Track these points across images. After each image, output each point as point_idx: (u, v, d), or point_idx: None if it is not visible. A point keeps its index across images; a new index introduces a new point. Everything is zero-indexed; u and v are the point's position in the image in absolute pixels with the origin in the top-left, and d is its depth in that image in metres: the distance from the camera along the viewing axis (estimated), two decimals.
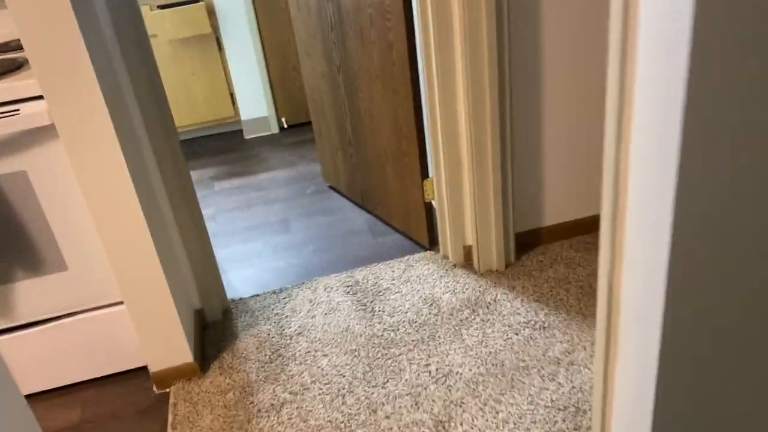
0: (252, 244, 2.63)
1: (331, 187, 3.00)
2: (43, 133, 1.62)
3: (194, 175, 3.32)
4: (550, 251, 2.30)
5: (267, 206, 2.93)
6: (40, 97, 1.58)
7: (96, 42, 1.57)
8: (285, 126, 3.74)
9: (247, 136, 3.70)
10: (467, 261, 2.29)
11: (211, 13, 3.36)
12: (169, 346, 1.89)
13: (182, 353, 1.92)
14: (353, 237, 2.59)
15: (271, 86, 3.62)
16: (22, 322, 1.85)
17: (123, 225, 1.69)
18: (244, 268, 2.47)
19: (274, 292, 2.29)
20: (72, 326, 1.89)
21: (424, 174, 2.27)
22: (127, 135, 1.71)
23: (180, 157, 1.96)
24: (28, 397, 1.97)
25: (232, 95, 3.61)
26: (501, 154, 2.01)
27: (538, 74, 2.02)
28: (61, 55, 1.47)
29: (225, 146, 3.63)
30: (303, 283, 2.32)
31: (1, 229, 1.71)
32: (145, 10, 3.27)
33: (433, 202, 2.32)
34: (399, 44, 2.04)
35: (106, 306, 1.90)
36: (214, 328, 2.15)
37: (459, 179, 2.11)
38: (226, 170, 3.34)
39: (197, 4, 3.24)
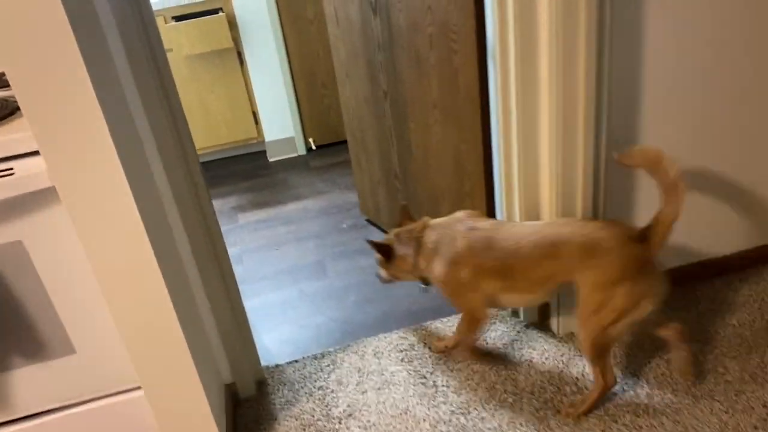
0: (285, 292, 2.31)
1: (370, 221, 2.67)
2: (42, 196, 1.30)
3: (215, 204, 3.00)
4: None
5: (299, 244, 2.60)
6: (38, 152, 1.26)
7: (104, 73, 1.25)
8: (313, 147, 3.41)
9: (272, 159, 3.38)
10: (543, 321, 1.95)
11: (232, 24, 3.04)
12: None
13: None
14: (400, 285, 2.25)
15: (298, 104, 3.29)
16: (24, 414, 1.54)
17: (140, 298, 1.37)
18: (278, 325, 2.15)
19: (315, 357, 1.97)
20: (82, 417, 1.57)
21: (491, 214, 1.93)
22: (143, 186, 1.38)
23: (206, 200, 1.65)
24: None
25: (254, 114, 3.29)
26: (593, 203, 1.68)
27: (638, 111, 1.68)
28: (59, 95, 1.14)
29: (248, 171, 3.31)
30: (348, 345, 1.99)
31: None
32: (158, 22, 2.94)
33: None
34: (467, 71, 1.71)
35: (122, 392, 1.57)
36: (248, 406, 1.83)
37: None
38: (250, 199, 3.02)
39: (217, 15, 2.92)
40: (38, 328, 1.45)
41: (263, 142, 3.37)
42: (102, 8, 1.30)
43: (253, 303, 2.27)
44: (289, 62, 3.18)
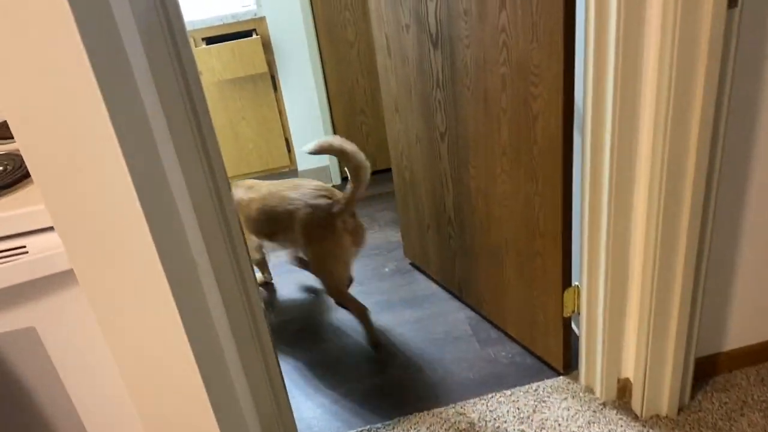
0: (322, 351, 2.09)
1: (416, 266, 2.45)
2: (59, 278, 1.09)
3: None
4: (734, 386, 1.71)
5: None
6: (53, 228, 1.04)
7: (131, 125, 1.03)
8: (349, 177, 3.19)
9: None
10: (621, 399, 1.71)
11: (266, 47, 2.83)
12: None
13: None
14: (453, 345, 2.02)
15: (334, 131, 3.08)
16: None
17: (172, 395, 1.15)
18: (316, 391, 1.92)
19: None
20: None
21: (566, 281, 1.69)
22: (178, 260, 1.17)
23: (245, 264, 1.43)
24: None
25: (287, 141, 3.08)
26: (695, 268, 1.44)
27: (750, 167, 1.44)
28: (77, 156, 0.93)
29: None
30: (397, 420, 1.76)
31: (4, 401, 1.18)
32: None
33: (576, 319, 1.75)
34: (549, 119, 1.48)
35: None
36: None
37: (622, 293, 1.55)
38: None
39: (251, 38, 2.71)
40: (52, 422, 1.24)
41: (296, 170, 3.16)
42: (129, 38, 1.09)
43: (288, 364, 2.05)
44: (326, 87, 2.97)
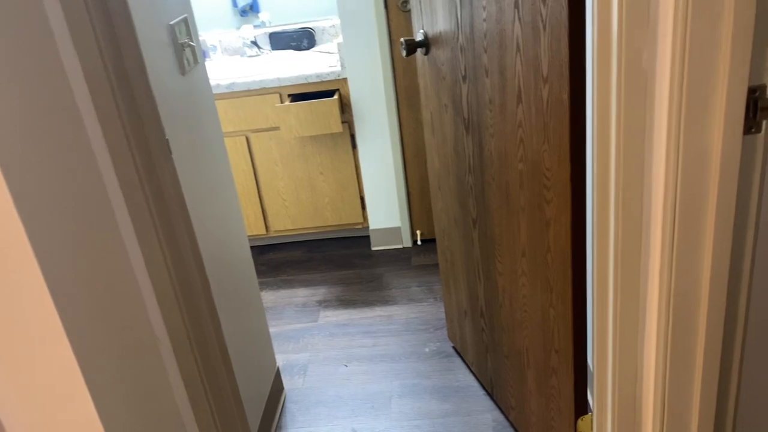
0: (336, 429, 2.00)
1: (456, 351, 2.30)
2: None
3: (302, 294, 2.79)
4: None
5: (371, 364, 2.29)
6: None
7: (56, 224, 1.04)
8: (419, 241, 3.11)
9: (375, 248, 3.13)
10: None
11: (347, 106, 2.85)
12: None
13: None
14: None
15: (408, 194, 3.02)
16: None
17: None
18: None
19: None
20: None
21: (580, 406, 1.49)
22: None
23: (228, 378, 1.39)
24: None
25: (362, 199, 3.06)
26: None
27: None
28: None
29: (347, 257, 3.08)
30: None
31: None
32: (273, 99, 2.84)
33: None
34: (559, 228, 1.32)
35: None
36: None
37: (636, 427, 1.33)
38: (338, 293, 2.77)
39: (330, 99, 2.75)
40: None
41: (367, 228, 3.13)
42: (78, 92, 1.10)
43: None
44: (403, 151, 2.93)
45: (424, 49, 1.82)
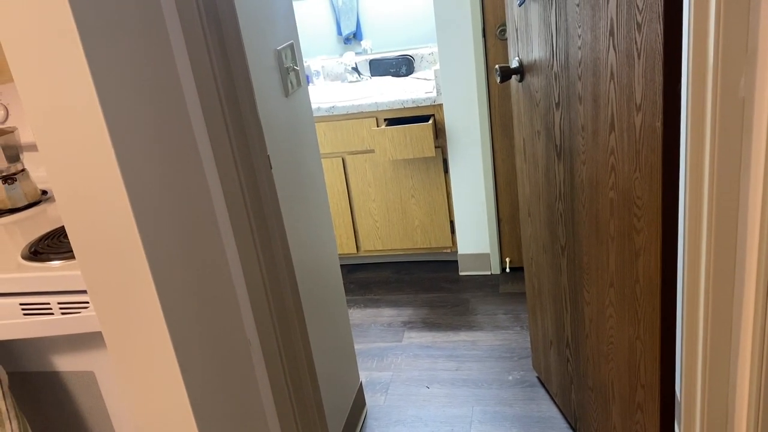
0: None
1: (540, 381, 2.26)
2: None
3: (388, 314, 2.84)
4: None
5: (452, 387, 2.29)
6: None
7: (166, 215, 1.13)
8: (508, 269, 3.09)
9: (462, 272, 3.13)
10: None
11: (441, 131, 2.90)
12: None
13: None
14: None
15: (498, 221, 3.01)
16: None
17: None
18: None
19: None
20: None
21: None
22: (200, 342, 1.24)
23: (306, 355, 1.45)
24: None
25: (452, 224, 3.08)
26: None
27: None
28: (105, 245, 1.05)
29: (434, 281, 3.10)
30: None
31: (65, 428, 1.35)
32: (370, 123, 2.93)
33: None
34: (648, 259, 1.29)
35: None
36: None
37: None
38: (423, 315, 2.79)
39: (424, 124, 2.80)
40: None
41: (456, 253, 3.14)
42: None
43: None
44: (495, 177, 2.93)
45: (518, 76, 1.84)
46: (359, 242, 3.20)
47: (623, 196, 1.35)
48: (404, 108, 2.90)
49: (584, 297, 1.68)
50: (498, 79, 1.83)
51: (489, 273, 3.11)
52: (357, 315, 2.87)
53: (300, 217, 1.75)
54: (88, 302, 1.20)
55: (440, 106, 2.87)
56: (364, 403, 2.23)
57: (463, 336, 2.61)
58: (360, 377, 2.25)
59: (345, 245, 3.20)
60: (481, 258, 3.09)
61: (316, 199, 1.91)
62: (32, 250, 1.30)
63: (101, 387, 1.29)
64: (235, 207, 1.25)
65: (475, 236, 3.06)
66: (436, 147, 2.90)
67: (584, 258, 1.62)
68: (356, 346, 2.64)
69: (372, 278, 3.20)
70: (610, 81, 1.31)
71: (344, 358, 2.07)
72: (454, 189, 2.98)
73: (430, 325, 2.72)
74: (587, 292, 1.65)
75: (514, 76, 1.87)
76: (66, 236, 1.33)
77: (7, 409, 1.24)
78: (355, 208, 3.13)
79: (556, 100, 1.60)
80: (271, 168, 1.35)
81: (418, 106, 2.89)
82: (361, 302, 2.98)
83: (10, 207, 1.58)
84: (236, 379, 1.33)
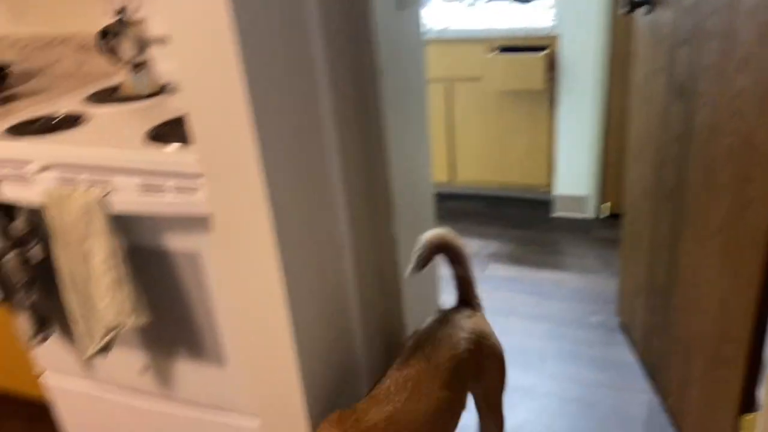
0: None
1: (623, 327, 2.23)
2: None
3: (474, 245, 2.86)
4: None
5: (530, 323, 2.30)
6: None
7: (280, 120, 1.18)
8: (605, 214, 3.00)
9: (556, 214, 3.08)
10: None
11: (553, 64, 2.80)
12: None
13: None
14: (621, 428, 1.82)
15: (605, 164, 2.91)
16: (177, 398, 1.63)
17: (265, 342, 1.31)
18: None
19: None
20: (208, 422, 1.61)
21: (747, 403, 1.40)
22: (301, 236, 1.31)
23: (392, 255, 1.50)
24: None
25: (552, 162, 3.01)
26: None
27: None
28: (222, 136, 1.11)
29: (524, 218, 3.07)
30: None
31: (171, 304, 1.48)
32: (480, 50, 2.87)
33: None
34: (759, 208, 1.23)
35: (246, 416, 1.56)
36: None
37: None
38: (510, 250, 2.79)
39: (537, 55, 2.71)
40: (200, 335, 1.50)
41: (551, 193, 3.09)
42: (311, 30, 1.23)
43: None
44: (607, 116, 2.81)
45: (646, 8, 1.74)
46: (454, 172, 3.20)
47: (744, 142, 1.27)
48: (518, 37, 2.81)
49: (684, 246, 1.62)
50: (624, 9, 1.73)
51: (584, 217, 3.04)
52: None
53: (400, 138, 1.76)
54: (199, 187, 1.28)
55: (556, 37, 2.76)
56: None
57: (548, 275, 2.60)
58: (440, 301, 2.30)
59: (439, 173, 3.21)
60: (578, 200, 3.02)
61: (418, 122, 1.91)
62: (153, 134, 1.40)
63: (205, 268, 1.40)
64: (343, 112, 1.28)
65: (574, 177, 2.98)
66: (546, 81, 2.81)
67: (690, 204, 1.56)
68: (441, 272, 2.68)
69: (463, 208, 3.21)
70: (746, 17, 1.22)
71: (427, 281, 2.11)
72: (560, 126, 2.89)
73: (515, 260, 2.72)
74: (688, 241, 1.59)
75: (642, 8, 1.76)
76: (184, 125, 1.42)
77: (124, 276, 1.38)
78: (455, 136, 3.11)
79: (684, 36, 1.51)
80: (382, 74, 1.36)
81: (532, 36, 2.79)
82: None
83: (134, 95, 1.69)
84: (327, 276, 1.40)
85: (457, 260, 1.50)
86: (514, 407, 1.91)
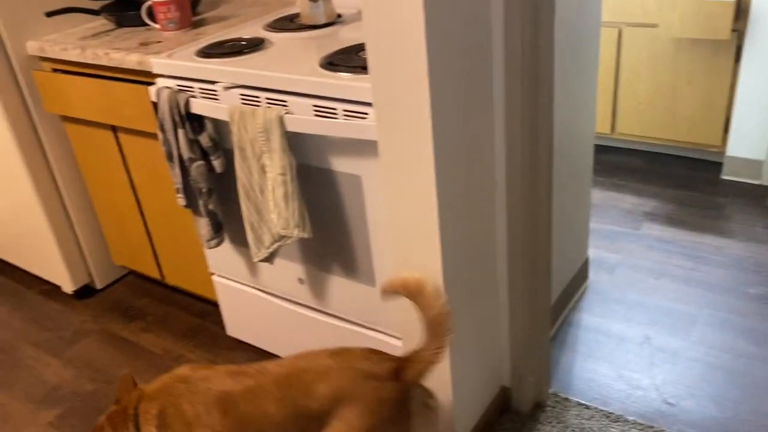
0: (628, 330, 2.02)
1: None
2: None
3: (630, 201, 2.74)
4: None
5: (682, 286, 2.20)
6: None
7: (452, 58, 1.21)
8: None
9: (725, 176, 2.86)
10: None
11: (743, 12, 2.54)
12: None
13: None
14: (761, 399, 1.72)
15: None
16: (328, 310, 1.77)
17: (414, 268, 1.37)
18: (598, 359, 1.91)
19: (607, 416, 1.70)
20: (354, 335, 1.73)
21: None
22: (458, 174, 1.34)
23: (544, 197, 1.50)
24: None
25: (727, 121, 2.78)
26: None
27: None
28: (397, 69, 1.16)
29: (689, 179, 2.88)
30: (655, 429, 1.65)
31: (331, 223, 1.60)
32: None
33: None
34: None
35: (390, 335, 1.66)
36: (512, 419, 1.72)
37: None
38: (669, 211, 2.65)
39: (724, 0, 2.48)
40: (354, 254, 1.61)
41: (723, 154, 2.86)
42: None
43: (590, 322, 2.06)
44: None
45: None
46: (616, 123, 3.05)
47: None
48: None
49: None
50: None
51: (757, 182, 2.80)
52: (597, 195, 2.81)
53: (567, 83, 1.72)
54: (368, 113, 1.35)
55: None
56: (586, 277, 2.25)
57: (709, 240, 2.44)
58: (588, 252, 2.26)
59: (600, 124, 3.08)
60: (753, 164, 2.78)
61: (588, 68, 1.85)
62: (328, 61, 1.48)
63: (365, 190, 1.48)
64: (512, 52, 1.28)
65: (752, 139, 2.73)
66: (732, 30, 2.56)
67: None
68: (591, 224, 2.62)
69: (621, 162, 3.07)
70: None
71: (577, 228, 2.08)
72: (742, 82, 2.65)
73: (673, 221, 2.58)
74: None
75: None
76: (358, 54, 1.48)
77: (293, 191, 1.50)
78: (620, 86, 2.96)
79: None
80: (554, 14, 1.33)
81: None
82: (604, 184, 2.90)
83: (311, 24, 1.78)
84: (477, 211, 1.43)
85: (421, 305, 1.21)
86: (655, 367, 1.86)
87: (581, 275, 2.20)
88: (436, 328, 1.20)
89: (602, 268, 2.33)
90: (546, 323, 1.68)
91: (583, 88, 1.85)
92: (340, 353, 1.28)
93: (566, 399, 1.77)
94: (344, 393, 1.21)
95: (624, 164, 3.05)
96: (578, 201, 2.02)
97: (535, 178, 1.44)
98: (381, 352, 1.31)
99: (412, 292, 1.20)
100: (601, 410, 1.72)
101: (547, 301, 1.65)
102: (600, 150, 3.17)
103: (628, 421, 1.67)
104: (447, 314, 1.19)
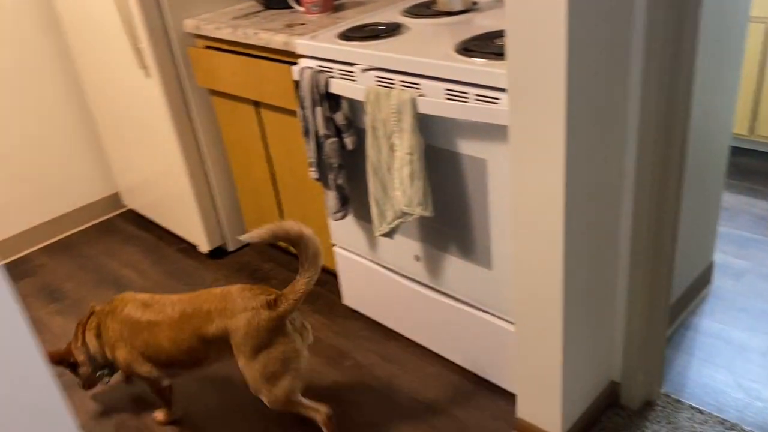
0: (752, 339, 1.93)
1: None
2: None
3: (764, 207, 2.59)
4: None
5: None
6: None
7: (590, 51, 1.22)
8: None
9: None
10: None
11: None
12: (540, 401, 1.60)
13: (552, 420, 1.60)
14: None
15: None
16: (441, 289, 1.84)
17: (536, 255, 1.40)
18: (712, 367, 1.85)
19: (721, 422, 1.65)
20: (468, 316, 1.77)
21: None
22: (588, 168, 1.35)
23: (673, 194, 1.48)
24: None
25: None
26: None
27: None
28: (535, 57, 1.19)
29: None
30: None
31: (453, 204, 1.65)
32: None
33: None
34: None
35: (503, 319, 1.70)
36: (619, 415, 1.71)
37: None
38: None
39: None
40: (473, 235, 1.66)
41: None
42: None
43: (710, 327, 1.99)
44: None
45: None
46: (756, 124, 2.88)
47: None
48: None
49: None
50: None
51: None
52: (728, 199, 2.68)
53: (708, 80, 1.66)
54: (499, 98, 1.39)
55: None
56: (709, 281, 2.17)
57: None
58: (713, 257, 2.17)
59: (738, 125, 2.91)
60: None
61: (730, 66, 1.77)
62: (462, 47, 1.53)
63: (489, 174, 1.53)
64: (653, 45, 1.27)
65: None
66: None
67: None
68: (719, 228, 2.50)
69: (758, 167, 2.90)
70: None
71: (704, 232, 2.01)
72: None
73: None
74: None
75: None
76: (494, 40, 1.52)
77: (419, 170, 1.57)
78: (764, 86, 2.78)
79: None
80: (701, 6, 1.31)
81: None
82: (737, 187, 2.75)
83: (447, 10, 1.84)
84: (603, 204, 1.43)
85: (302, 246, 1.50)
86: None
87: (704, 279, 2.12)
88: (311, 261, 1.50)
89: (728, 273, 2.23)
90: (663, 322, 1.65)
91: (724, 87, 1.78)
92: (223, 296, 1.59)
93: (678, 401, 1.73)
94: (226, 328, 1.55)
95: (760, 168, 2.88)
96: (707, 203, 1.95)
97: (665, 176, 1.42)
98: (256, 287, 1.59)
99: (292, 238, 1.48)
100: (716, 416, 1.67)
101: (666, 300, 1.62)
102: (736, 152, 3.01)
103: (745, 431, 1.62)
104: (320, 250, 1.50)
